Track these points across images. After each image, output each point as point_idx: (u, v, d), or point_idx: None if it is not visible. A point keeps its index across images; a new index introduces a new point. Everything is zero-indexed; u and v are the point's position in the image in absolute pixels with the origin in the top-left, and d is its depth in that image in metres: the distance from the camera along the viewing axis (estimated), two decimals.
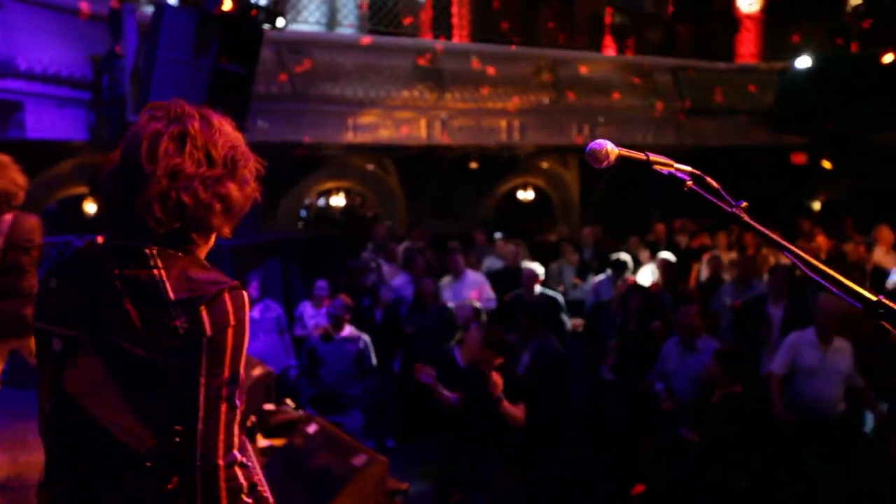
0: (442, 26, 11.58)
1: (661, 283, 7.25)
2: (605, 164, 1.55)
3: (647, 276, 8.24)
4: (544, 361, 5.83)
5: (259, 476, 1.54)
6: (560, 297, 6.80)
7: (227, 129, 1.58)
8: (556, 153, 15.15)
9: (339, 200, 14.18)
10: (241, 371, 1.46)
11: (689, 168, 1.60)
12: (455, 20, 11.73)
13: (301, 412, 4.93)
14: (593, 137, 9.06)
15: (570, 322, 7.39)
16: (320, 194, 14.23)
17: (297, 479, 3.49)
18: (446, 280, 7.93)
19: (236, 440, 1.45)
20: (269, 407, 4.88)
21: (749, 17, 13.78)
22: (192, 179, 1.47)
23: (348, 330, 6.27)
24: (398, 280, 8.22)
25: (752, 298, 6.74)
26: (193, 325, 1.41)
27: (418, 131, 10.87)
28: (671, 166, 1.59)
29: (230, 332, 1.44)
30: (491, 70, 11.27)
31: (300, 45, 9.87)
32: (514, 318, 6.26)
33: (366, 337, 6.30)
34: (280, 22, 8.38)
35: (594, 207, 15.69)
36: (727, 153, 13.86)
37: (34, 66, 7.02)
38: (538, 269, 6.90)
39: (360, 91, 10.25)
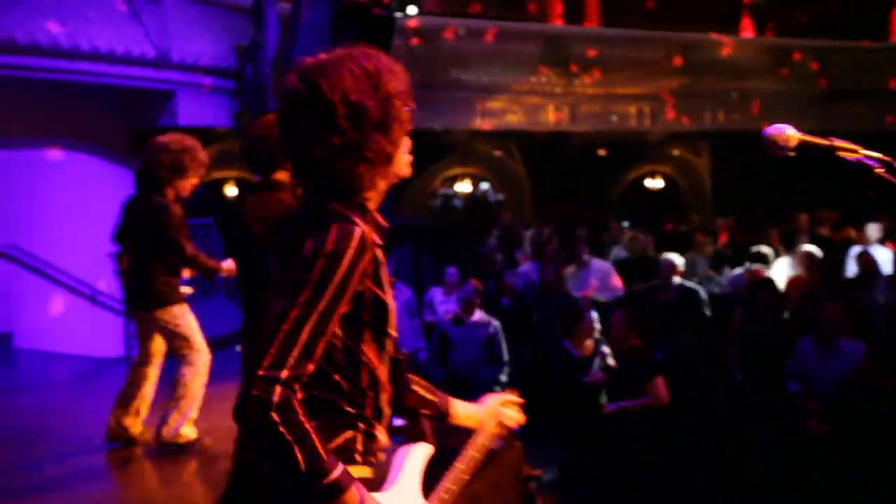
0: (572, 11, 11.41)
1: (806, 278, 6.86)
2: (784, 150, 1.48)
3: (782, 269, 7.83)
4: (675, 357, 5.71)
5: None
6: (701, 290, 6.55)
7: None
8: (687, 140, 14.64)
9: (465, 187, 14.30)
10: (332, 302, 1.40)
11: (878, 154, 1.50)
12: (585, 4, 11.53)
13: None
14: (729, 123, 8.73)
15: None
16: (446, 181, 14.39)
17: (431, 458, 3.55)
18: (571, 269, 7.84)
19: (291, 360, 1.36)
20: None
21: None
22: None
23: (479, 315, 6.30)
24: (525, 267, 8.20)
25: None
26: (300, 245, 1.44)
27: (545, 117, 10.78)
28: (857, 152, 1.49)
29: (321, 260, 1.40)
30: (621, 54, 11.00)
31: (429, 32, 9.98)
32: (646, 309, 6.13)
33: (496, 322, 6.32)
34: (411, 10, 8.50)
35: (726, 197, 15.07)
36: (875, 139, 12.95)
37: (186, 58, 7.45)
38: (678, 259, 6.66)
39: (487, 77, 10.26)
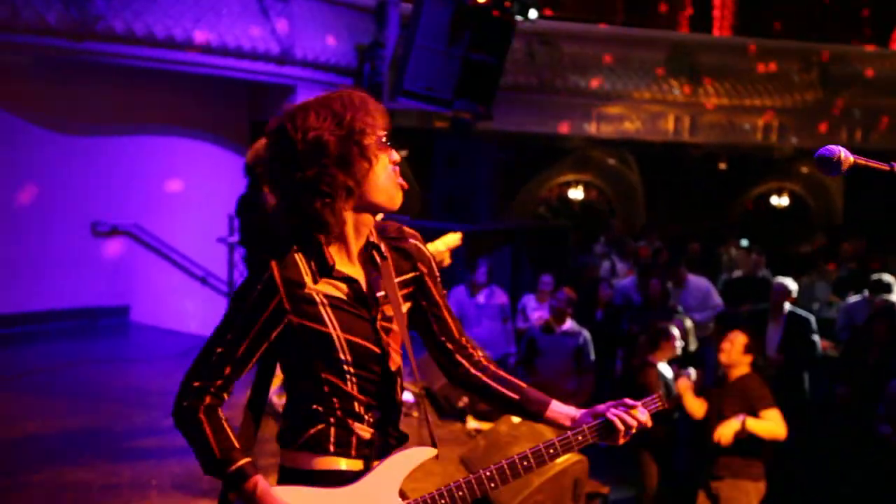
0: (701, 19, 11.04)
1: None
2: (836, 172, 1.41)
3: None
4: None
5: None
6: (811, 318, 6.18)
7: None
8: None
9: (577, 193, 14.13)
10: (237, 334, 1.66)
11: None
12: (716, 12, 11.12)
13: None
14: (868, 143, 8.18)
15: (820, 344, 6.73)
16: (560, 186, 14.27)
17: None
18: (669, 286, 7.58)
19: (202, 374, 1.66)
20: None
21: None
22: None
23: (569, 324, 6.22)
24: (627, 280, 8.01)
25: None
26: None
27: (664, 126, 10.48)
28: None
29: (232, 299, 1.71)
30: (751, 65, 10.54)
31: (550, 36, 9.91)
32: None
33: (586, 333, 6.22)
34: (532, 13, 8.46)
35: (859, 219, 14.15)
36: None
37: (308, 55, 7.73)
38: (791, 285, 6.31)
39: (608, 84, 10.08)
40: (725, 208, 14.16)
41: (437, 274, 1.84)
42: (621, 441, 1.78)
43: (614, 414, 1.75)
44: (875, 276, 7.55)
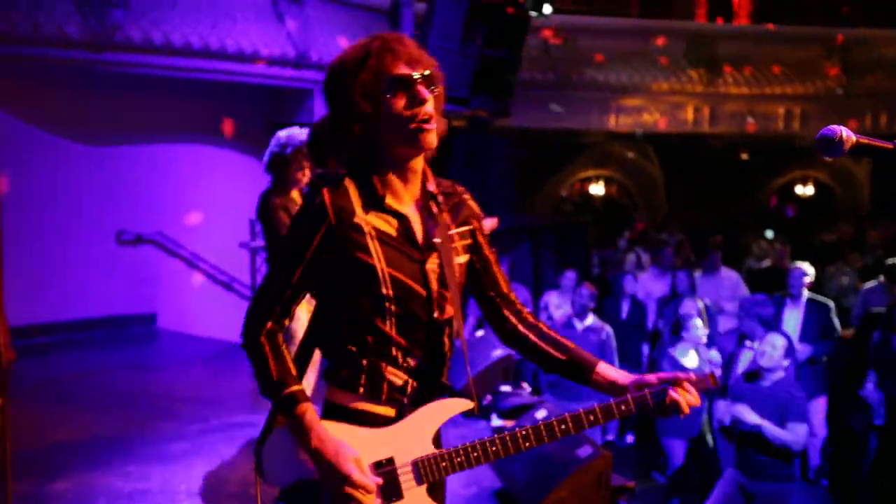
0: (719, 7, 10.92)
1: None
2: (838, 153, 1.40)
3: None
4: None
5: None
6: (831, 304, 6.10)
7: None
8: None
9: (598, 189, 14.05)
10: (290, 260, 1.71)
11: None
12: (735, 1, 11.00)
13: (536, 397, 4.98)
14: (891, 127, 8.04)
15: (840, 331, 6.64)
16: (580, 182, 14.20)
17: (519, 461, 3.54)
18: (697, 274, 7.50)
19: (262, 303, 1.73)
20: (506, 388, 4.99)
21: None
22: None
23: (592, 319, 6.18)
24: (647, 273, 7.95)
25: None
26: None
27: (684, 118, 10.38)
28: None
29: (289, 226, 1.80)
30: (772, 53, 10.41)
31: (563, 31, 9.86)
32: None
33: (609, 328, 6.17)
34: (546, 9, 8.42)
35: (888, 206, 13.93)
36: None
37: (324, 57, 7.75)
38: (809, 269, 6.24)
39: (625, 77, 10.01)
40: (749, 198, 14.01)
41: (486, 230, 1.88)
42: (671, 414, 1.72)
43: (675, 393, 1.70)
44: (890, 261, 7.45)
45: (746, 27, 10.86)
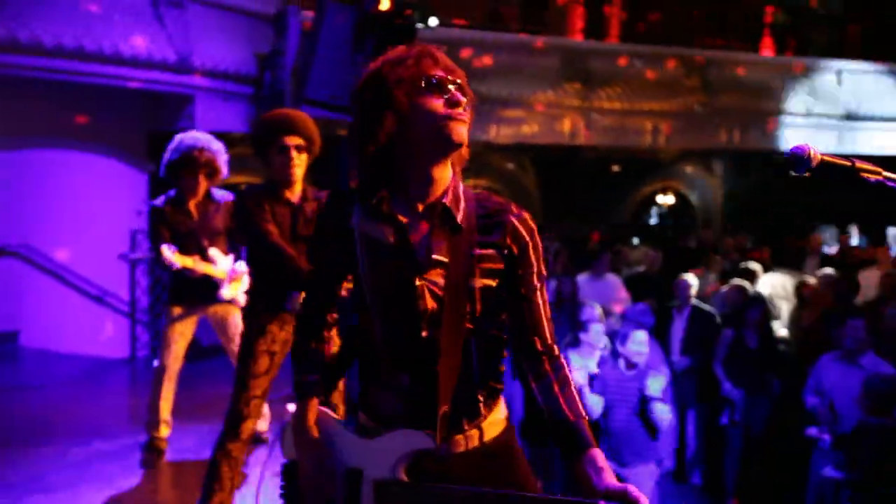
0: (592, 27, 11.44)
1: (829, 298, 6.83)
2: (805, 169, 1.48)
3: (766, 286, 7.79)
4: None
5: None
6: (715, 312, 6.48)
7: None
8: (700, 157, 14.65)
9: None
10: (315, 261, 1.91)
11: None
12: (606, 21, 11.55)
13: None
14: (745, 142, 8.69)
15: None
16: None
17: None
18: (583, 278, 7.77)
19: (308, 294, 1.90)
20: None
21: None
22: None
23: None
24: None
25: None
26: None
27: (562, 131, 10.79)
28: (880, 174, 1.51)
29: None
30: (640, 71, 11.02)
31: (447, 44, 10.01)
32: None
33: None
34: (433, 21, 8.52)
35: (738, 215, 15.07)
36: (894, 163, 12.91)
37: (206, 63, 7.50)
38: (693, 280, 6.62)
39: (506, 90, 10.28)
40: (617, 208, 14.73)
41: (533, 259, 1.72)
42: None
43: None
44: (742, 265, 8.08)
45: (616, 45, 11.42)
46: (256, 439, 4.45)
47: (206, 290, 4.22)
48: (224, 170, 4.30)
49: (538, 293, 1.74)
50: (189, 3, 7.30)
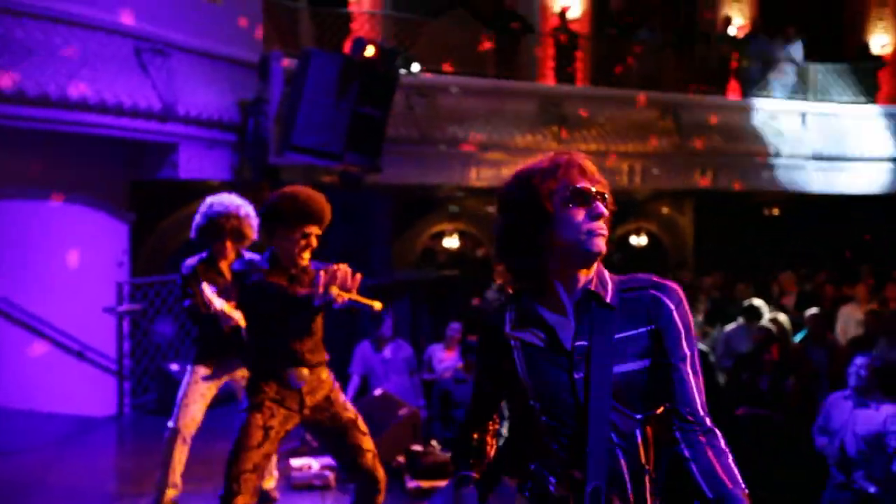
0: (564, 71, 11.63)
1: (811, 337, 6.91)
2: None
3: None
4: None
5: None
6: (706, 349, 6.50)
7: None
8: (672, 198, 14.88)
9: (452, 242, 14.32)
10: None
11: None
12: (577, 64, 11.76)
13: (448, 455, 4.90)
14: (716, 182, 8.88)
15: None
16: (435, 235, 14.41)
17: None
18: None
19: (471, 405, 2.04)
20: (417, 448, 4.88)
21: (885, 57, 13.28)
22: None
23: None
24: None
25: None
26: None
27: None
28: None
29: None
30: (614, 113, 11.21)
31: (427, 89, 10.09)
32: None
33: None
34: (415, 67, 8.60)
35: (708, 254, 15.28)
36: (860, 202, 13.27)
37: (190, 111, 7.41)
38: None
39: (485, 134, 10.36)
40: None
41: (680, 329, 1.73)
42: None
43: None
44: (747, 303, 8.15)
45: (588, 89, 11.62)
46: (266, 499, 4.28)
47: (235, 352, 4.09)
48: (252, 234, 4.21)
49: (687, 363, 1.73)
50: (172, 51, 7.24)
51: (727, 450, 1.69)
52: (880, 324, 7.33)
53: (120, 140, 7.09)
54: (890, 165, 13.12)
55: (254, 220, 4.19)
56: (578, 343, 1.73)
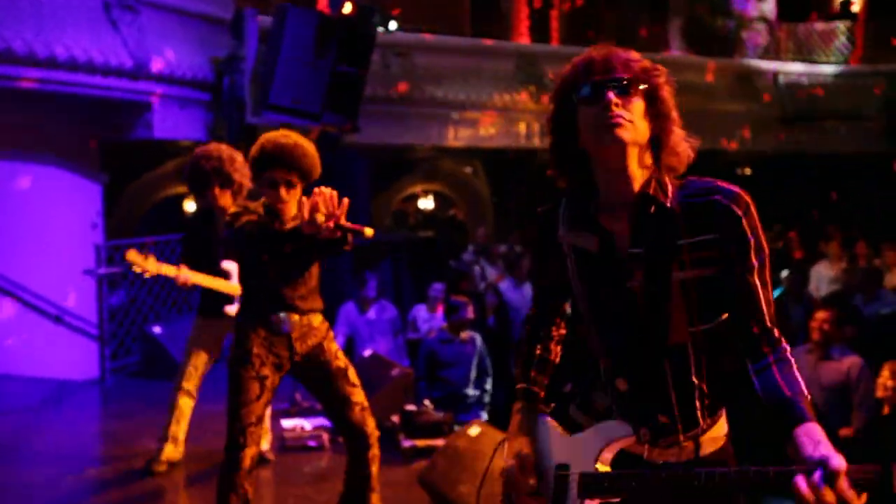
0: (539, 29, 11.54)
1: (788, 295, 7.05)
2: None
3: None
4: None
5: None
6: None
7: None
8: None
9: (427, 203, 14.27)
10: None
11: None
12: (552, 23, 11.67)
13: (442, 413, 4.93)
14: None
15: None
16: (407, 198, 14.33)
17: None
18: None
19: (533, 301, 2.01)
20: (411, 408, 4.90)
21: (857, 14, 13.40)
22: None
23: (467, 332, 6.24)
24: (503, 284, 8.19)
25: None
26: None
27: (516, 135, 10.83)
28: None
29: None
30: None
31: (403, 48, 9.94)
32: None
33: (479, 337, 6.28)
34: (392, 25, 8.45)
35: None
36: (827, 160, 13.46)
37: (163, 69, 7.22)
38: None
39: (462, 94, 10.27)
40: None
41: (749, 236, 1.59)
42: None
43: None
44: None
45: (564, 48, 11.55)
46: (261, 460, 4.27)
47: (224, 304, 4.03)
48: (240, 178, 4.06)
49: (755, 273, 1.60)
50: (142, 7, 7.01)
51: (791, 360, 1.60)
52: (855, 280, 7.49)
53: (91, 99, 6.88)
54: (858, 125, 13.31)
55: (241, 165, 4.08)
56: (633, 250, 1.63)
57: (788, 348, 1.63)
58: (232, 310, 4.01)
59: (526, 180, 13.00)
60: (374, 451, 3.31)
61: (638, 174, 1.64)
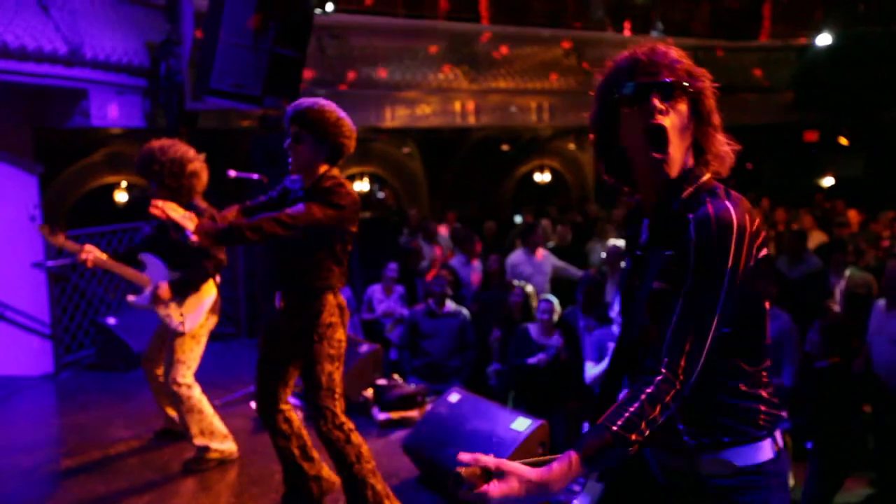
0: (469, 10, 11.66)
1: None
2: None
3: None
4: None
5: None
6: None
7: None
8: (574, 134, 15.31)
9: (362, 186, 14.26)
10: None
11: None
12: (482, 3, 11.80)
13: (414, 386, 5.05)
14: None
15: None
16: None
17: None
18: (520, 255, 7.94)
19: None
20: (383, 382, 5.00)
21: None
22: None
23: (449, 305, 6.34)
24: (454, 261, 8.32)
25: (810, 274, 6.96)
26: None
27: (450, 114, 10.95)
28: None
29: None
30: (522, 52, 11.36)
31: (339, 30, 9.91)
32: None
33: (466, 311, 6.39)
34: (329, 6, 8.42)
35: (611, 190, 15.87)
36: (741, 131, 14.08)
37: (98, 55, 7.02)
38: (622, 244, 6.97)
39: (397, 74, 10.31)
40: (498, 188, 15.12)
41: (693, 261, 1.54)
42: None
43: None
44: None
45: (496, 28, 11.71)
46: (169, 432, 4.43)
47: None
48: (182, 177, 4.05)
49: (683, 296, 1.56)
50: None
51: (645, 397, 1.50)
52: (780, 245, 7.94)
53: (25, 86, 6.65)
54: (761, 97, 13.96)
55: (185, 164, 4.13)
56: (638, 252, 1.70)
57: (660, 380, 1.52)
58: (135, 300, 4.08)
59: (460, 159, 13.17)
60: (326, 426, 3.28)
61: (671, 180, 1.64)
